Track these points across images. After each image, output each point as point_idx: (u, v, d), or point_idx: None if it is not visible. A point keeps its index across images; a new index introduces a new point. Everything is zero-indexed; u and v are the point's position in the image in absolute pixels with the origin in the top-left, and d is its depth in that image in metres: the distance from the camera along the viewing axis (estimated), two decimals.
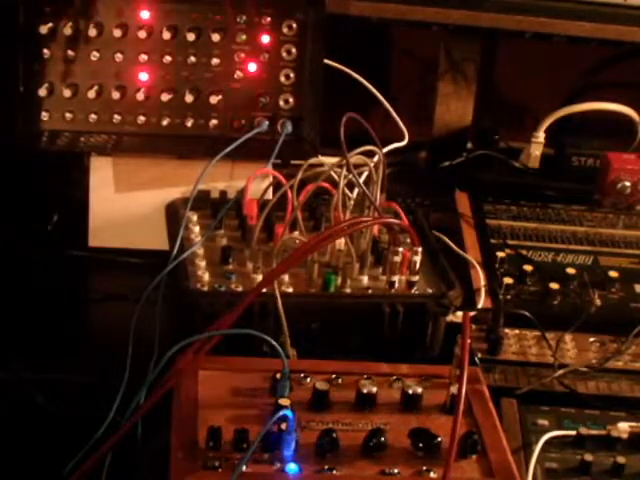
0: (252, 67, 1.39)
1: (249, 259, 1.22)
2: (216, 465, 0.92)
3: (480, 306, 1.29)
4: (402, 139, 1.54)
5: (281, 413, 0.93)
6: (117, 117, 1.37)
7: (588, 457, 1.06)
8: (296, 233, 1.20)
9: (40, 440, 1.08)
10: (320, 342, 1.16)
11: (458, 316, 1.20)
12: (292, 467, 0.92)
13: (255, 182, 1.29)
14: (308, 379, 1.04)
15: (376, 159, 1.23)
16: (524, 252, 1.40)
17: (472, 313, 1.20)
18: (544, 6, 1.55)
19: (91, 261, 1.37)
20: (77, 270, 1.36)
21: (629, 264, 1.39)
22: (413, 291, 1.20)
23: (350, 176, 1.21)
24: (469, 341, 0.95)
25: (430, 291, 1.21)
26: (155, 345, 1.12)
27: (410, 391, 1.02)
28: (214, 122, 1.39)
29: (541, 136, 1.62)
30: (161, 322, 1.16)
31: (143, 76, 1.37)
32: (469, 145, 1.66)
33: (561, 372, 1.19)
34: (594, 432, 1.09)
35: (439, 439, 0.96)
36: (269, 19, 1.37)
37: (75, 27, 1.34)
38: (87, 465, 0.98)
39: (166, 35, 1.35)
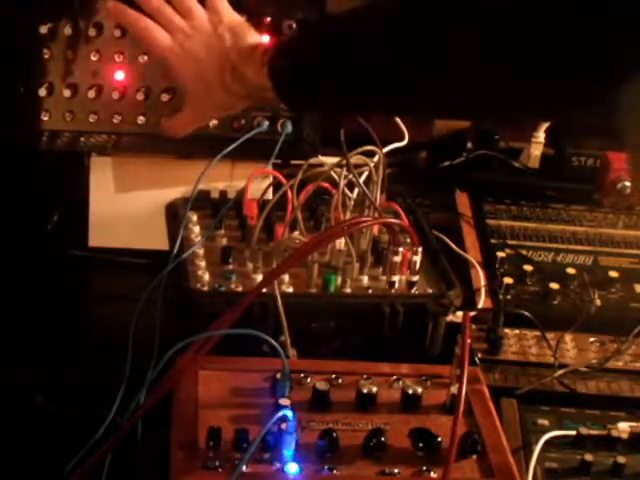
0: None
1: (249, 259, 1.22)
2: (216, 465, 0.92)
3: (480, 306, 1.29)
4: (402, 139, 1.54)
5: (281, 413, 0.93)
6: (117, 117, 1.37)
7: (588, 457, 1.06)
8: (296, 233, 1.20)
9: (40, 440, 1.08)
10: (320, 342, 1.16)
11: (458, 316, 1.20)
12: (292, 467, 0.92)
13: (255, 182, 1.29)
14: (308, 379, 1.04)
15: (376, 159, 1.23)
16: (524, 252, 1.40)
17: (472, 313, 1.20)
18: None
19: (91, 261, 1.37)
20: (77, 270, 1.36)
21: (629, 264, 1.40)
22: (413, 291, 1.20)
23: (350, 176, 1.21)
24: (469, 341, 0.95)
25: (430, 291, 1.21)
26: (155, 345, 1.12)
27: (410, 391, 1.02)
28: (214, 122, 1.38)
29: (541, 136, 1.62)
30: (161, 322, 1.16)
31: (143, 76, 1.37)
32: (469, 145, 1.66)
33: (561, 372, 1.19)
34: (594, 432, 1.10)
35: (439, 439, 0.96)
36: (269, 19, 1.37)
37: (75, 27, 1.34)
38: (87, 465, 0.98)
39: None
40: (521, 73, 0.91)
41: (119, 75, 1.36)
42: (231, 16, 1.16)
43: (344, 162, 1.20)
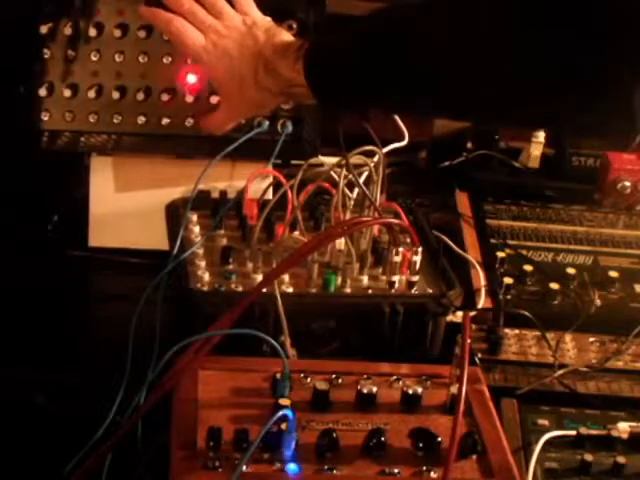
0: None
1: (249, 259, 1.22)
2: (216, 465, 0.92)
3: (480, 306, 1.29)
4: (402, 139, 1.54)
5: (281, 413, 0.93)
6: (117, 117, 1.37)
7: (588, 457, 1.06)
8: (296, 233, 1.20)
9: (40, 440, 1.08)
10: (320, 342, 1.16)
11: (458, 316, 1.20)
12: (292, 467, 0.92)
13: (255, 182, 1.29)
14: (308, 379, 1.04)
15: (376, 159, 1.23)
16: (524, 252, 1.40)
17: (472, 313, 1.20)
18: None
19: (91, 261, 1.37)
20: (77, 270, 1.36)
21: (629, 264, 1.40)
22: (413, 291, 1.20)
23: (350, 176, 1.21)
24: (469, 341, 0.95)
25: (430, 291, 1.21)
26: (155, 345, 1.12)
27: (410, 391, 1.02)
28: None
29: (541, 136, 1.62)
30: (161, 322, 1.16)
31: (143, 76, 1.37)
32: (469, 145, 1.66)
33: (561, 372, 1.19)
34: (594, 432, 1.10)
35: (439, 439, 0.96)
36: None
37: (75, 27, 1.34)
38: (87, 465, 0.98)
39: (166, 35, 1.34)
40: (522, 73, 0.92)
41: (119, 75, 1.36)
42: (262, 18, 1.20)
43: (344, 162, 1.20)
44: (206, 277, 1.19)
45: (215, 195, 1.35)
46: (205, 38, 1.17)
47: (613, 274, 1.35)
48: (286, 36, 1.16)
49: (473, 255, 1.38)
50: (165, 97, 1.37)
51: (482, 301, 1.30)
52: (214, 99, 1.36)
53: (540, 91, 0.92)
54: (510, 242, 1.42)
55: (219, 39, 1.16)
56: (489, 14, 0.93)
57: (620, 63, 0.87)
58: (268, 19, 1.20)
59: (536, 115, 0.99)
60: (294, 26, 1.37)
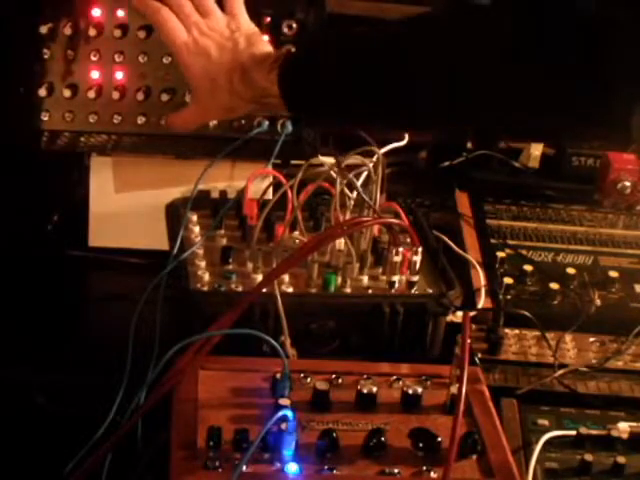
0: None
1: (249, 259, 1.22)
2: (216, 465, 0.92)
3: (480, 306, 1.29)
4: (402, 139, 1.54)
5: (281, 413, 0.93)
6: (117, 117, 1.37)
7: (588, 457, 1.06)
8: (296, 233, 1.20)
9: (40, 440, 1.08)
10: (320, 342, 1.16)
11: (458, 316, 1.20)
12: (292, 467, 0.92)
13: (255, 182, 1.29)
14: (308, 379, 1.04)
15: (375, 159, 1.23)
16: (524, 252, 1.40)
17: (472, 313, 1.20)
18: None
19: (91, 261, 1.37)
20: (77, 270, 1.36)
21: (629, 264, 1.40)
22: (413, 291, 1.20)
23: (350, 176, 1.21)
24: (469, 341, 0.95)
25: (430, 291, 1.21)
26: (155, 345, 1.12)
27: (410, 391, 1.02)
28: (214, 122, 1.38)
29: None
30: (161, 322, 1.16)
31: (143, 76, 1.37)
32: (469, 145, 1.66)
33: (561, 372, 1.19)
34: (594, 432, 1.10)
35: (439, 439, 0.96)
36: (269, 19, 1.36)
37: (75, 27, 1.34)
38: (87, 465, 0.98)
39: None
40: (521, 90, 0.92)
41: (119, 75, 1.36)
42: (248, 25, 1.20)
43: (344, 163, 1.20)
44: (206, 277, 1.19)
45: (215, 195, 1.35)
46: (188, 34, 1.18)
47: (613, 274, 1.35)
48: (266, 46, 1.17)
49: (473, 255, 1.38)
50: (165, 97, 1.37)
51: (482, 301, 1.30)
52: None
53: (539, 106, 0.93)
54: (510, 242, 1.42)
55: (200, 37, 1.17)
56: (487, 32, 0.94)
57: (618, 74, 0.87)
58: (253, 26, 1.21)
59: (535, 129, 0.99)
60: (294, 26, 1.37)
